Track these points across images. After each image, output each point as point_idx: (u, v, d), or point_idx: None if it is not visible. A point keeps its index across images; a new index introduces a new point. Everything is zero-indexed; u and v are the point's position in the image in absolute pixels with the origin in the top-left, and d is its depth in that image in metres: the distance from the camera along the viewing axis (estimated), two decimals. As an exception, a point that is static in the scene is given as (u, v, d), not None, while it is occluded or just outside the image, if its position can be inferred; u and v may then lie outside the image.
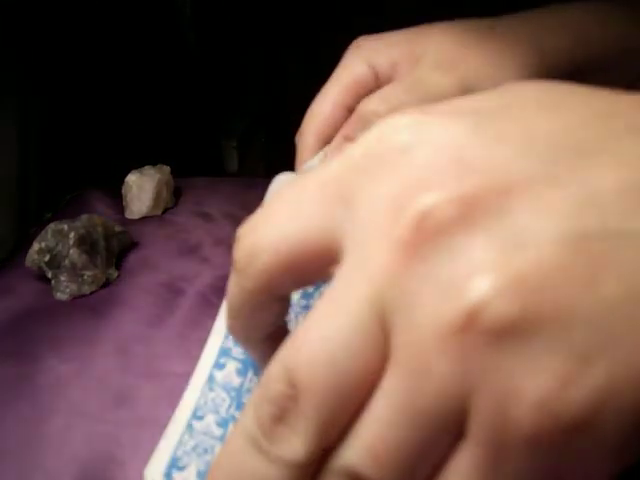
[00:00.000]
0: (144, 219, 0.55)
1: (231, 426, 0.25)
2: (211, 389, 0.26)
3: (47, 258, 0.43)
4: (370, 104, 0.32)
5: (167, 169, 0.57)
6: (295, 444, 0.14)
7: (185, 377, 0.36)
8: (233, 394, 0.25)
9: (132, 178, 0.55)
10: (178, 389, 0.35)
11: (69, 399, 0.34)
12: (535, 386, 0.12)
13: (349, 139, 0.33)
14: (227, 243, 0.51)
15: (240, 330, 0.20)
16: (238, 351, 0.26)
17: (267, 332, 0.21)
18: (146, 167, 0.56)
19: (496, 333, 0.12)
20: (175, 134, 0.64)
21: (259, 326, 0.20)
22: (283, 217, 0.17)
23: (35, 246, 0.43)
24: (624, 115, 0.15)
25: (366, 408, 0.14)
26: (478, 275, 0.12)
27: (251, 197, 0.61)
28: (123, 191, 0.55)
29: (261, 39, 0.68)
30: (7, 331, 0.40)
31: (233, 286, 0.19)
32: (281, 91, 0.74)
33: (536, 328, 0.12)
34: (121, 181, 0.55)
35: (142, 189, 0.54)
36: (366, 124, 0.32)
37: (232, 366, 0.26)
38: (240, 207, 0.57)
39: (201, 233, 0.53)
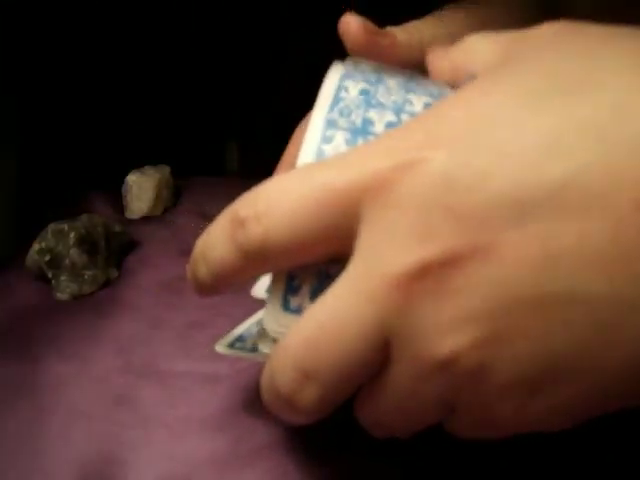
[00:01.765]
0: (144, 219, 0.55)
1: None
2: None
3: (47, 258, 0.43)
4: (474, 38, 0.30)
5: (167, 169, 0.57)
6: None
7: (186, 377, 0.36)
8: None
9: (132, 178, 0.55)
10: (179, 389, 0.35)
11: (69, 399, 0.34)
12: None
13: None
14: (227, 243, 0.51)
15: (222, 287, 0.25)
16: (345, 121, 0.24)
17: None
18: (146, 167, 0.56)
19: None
20: (175, 134, 0.64)
21: (240, 282, 0.24)
22: (290, 211, 0.21)
23: (35, 246, 0.43)
24: None
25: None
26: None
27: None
28: (123, 191, 0.55)
29: (261, 39, 0.68)
30: (7, 331, 0.40)
31: (229, 260, 0.23)
32: (281, 91, 0.74)
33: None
34: (121, 181, 0.55)
35: (142, 189, 0.54)
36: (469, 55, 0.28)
37: (340, 137, 0.24)
38: (240, 207, 0.57)
39: (201, 233, 0.53)
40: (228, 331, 0.33)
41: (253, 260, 0.21)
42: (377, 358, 0.20)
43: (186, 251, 0.50)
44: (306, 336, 0.20)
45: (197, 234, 0.52)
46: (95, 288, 0.44)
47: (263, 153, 0.87)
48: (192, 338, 0.39)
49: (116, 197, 0.57)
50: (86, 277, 0.43)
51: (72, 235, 0.43)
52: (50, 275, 0.43)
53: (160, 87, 0.63)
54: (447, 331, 0.18)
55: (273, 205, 0.20)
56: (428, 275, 0.18)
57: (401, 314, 0.19)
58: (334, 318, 0.20)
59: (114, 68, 0.61)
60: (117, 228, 0.48)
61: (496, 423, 0.20)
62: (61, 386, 0.35)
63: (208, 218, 0.55)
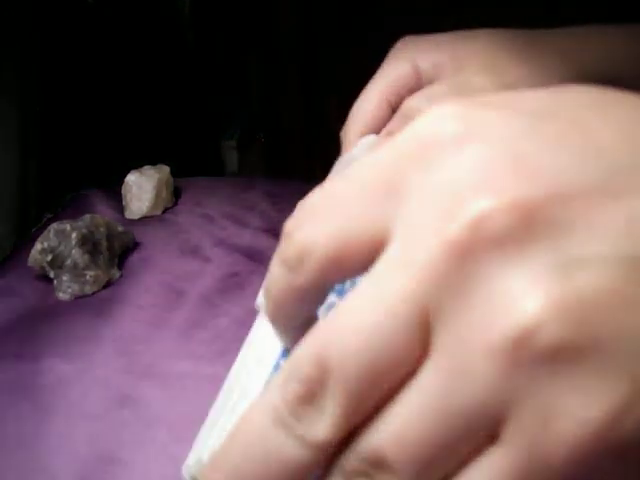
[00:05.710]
0: (144, 219, 0.55)
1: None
2: None
3: (49, 258, 0.43)
4: (414, 101, 0.33)
5: (167, 169, 0.57)
6: (321, 425, 0.14)
7: (186, 377, 0.36)
8: None
9: (132, 178, 0.55)
10: (180, 389, 0.35)
11: (70, 399, 0.34)
12: (585, 409, 0.12)
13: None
14: (227, 243, 0.51)
15: (281, 320, 0.19)
16: None
17: (303, 320, 0.20)
18: (146, 167, 0.56)
19: (548, 355, 0.12)
20: (175, 134, 0.64)
21: (298, 315, 0.19)
22: (332, 212, 0.16)
23: (37, 246, 0.43)
24: None
25: (397, 397, 0.14)
26: (534, 294, 0.12)
27: (251, 197, 0.61)
28: (123, 191, 0.55)
29: (260, 40, 0.68)
30: (9, 331, 0.40)
31: (280, 281, 0.18)
32: (280, 91, 0.74)
33: (589, 352, 0.12)
34: (121, 181, 0.55)
35: (142, 189, 0.54)
36: (409, 121, 0.30)
37: None
38: (240, 207, 0.57)
39: (201, 233, 0.53)
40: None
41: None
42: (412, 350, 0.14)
43: (186, 251, 0.51)
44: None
45: (197, 234, 0.52)
46: (97, 288, 0.44)
47: (262, 154, 0.87)
48: (192, 338, 0.39)
49: (116, 197, 0.57)
50: (88, 277, 0.43)
51: (74, 235, 0.43)
52: (52, 275, 0.43)
53: (160, 88, 0.63)
54: (527, 292, 0.12)
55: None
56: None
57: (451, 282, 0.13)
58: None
59: (114, 69, 0.62)
60: (119, 228, 0.48)
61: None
62: (62, 386, 0.35)
63: (208, 218, 0.55)
